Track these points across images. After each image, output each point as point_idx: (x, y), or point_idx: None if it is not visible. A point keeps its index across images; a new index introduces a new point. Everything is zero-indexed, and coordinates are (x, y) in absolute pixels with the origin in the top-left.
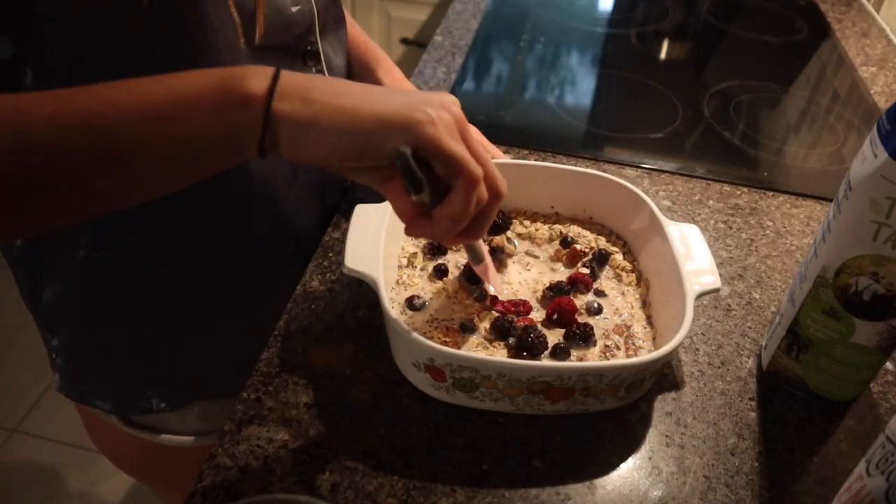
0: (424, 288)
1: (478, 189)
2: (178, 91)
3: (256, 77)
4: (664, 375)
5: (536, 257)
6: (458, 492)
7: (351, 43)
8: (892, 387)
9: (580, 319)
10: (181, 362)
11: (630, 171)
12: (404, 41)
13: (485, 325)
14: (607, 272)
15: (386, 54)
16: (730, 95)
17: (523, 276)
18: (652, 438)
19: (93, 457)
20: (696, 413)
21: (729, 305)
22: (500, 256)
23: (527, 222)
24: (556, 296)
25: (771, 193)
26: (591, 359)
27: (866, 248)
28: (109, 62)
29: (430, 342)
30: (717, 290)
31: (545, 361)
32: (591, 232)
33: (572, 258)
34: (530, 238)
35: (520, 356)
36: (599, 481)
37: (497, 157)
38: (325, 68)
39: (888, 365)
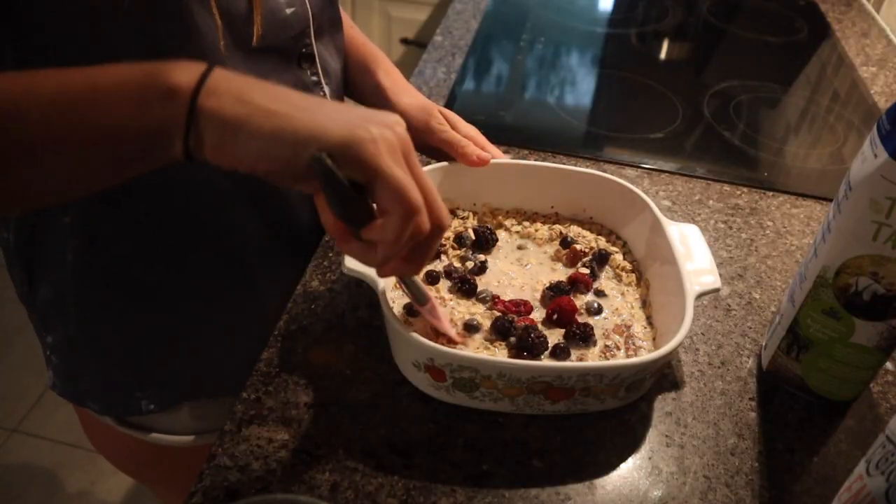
0: None
1: (416, 219)
2: (96, 81)
3: (184, 70)
4: (664, 375)
5: (532, 251)
6: (458, 492)
7: (350, 44)
8: (892, 387)
9: (580, 319)
10: (170, 363)
11: (630, 171)
12: (404, 41)
13: (485, 324)
14: (607, 272)
15: (385, 56)
16: (730, 95)
17: (523, 276)
18: (652, 438)
19: (92, 457)
20: (696, 413)
21: (729, 305)
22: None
23: (526, 222)
24: (556, 296)
25: (771, 193)
26: (591, 359)
27: (866, 248)
28: (90, 58)
29: (430, 342)
30: (717, 290)
31: (545, 361)
32: (591, 232)
33: (572, 258)
34: (530, 238)
35: (520, 356)
36: (599, 481)
37: (497, 157)
38: (319, 71)
39: (888, 365)
